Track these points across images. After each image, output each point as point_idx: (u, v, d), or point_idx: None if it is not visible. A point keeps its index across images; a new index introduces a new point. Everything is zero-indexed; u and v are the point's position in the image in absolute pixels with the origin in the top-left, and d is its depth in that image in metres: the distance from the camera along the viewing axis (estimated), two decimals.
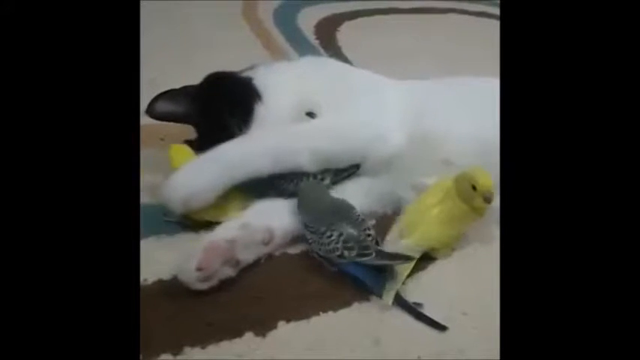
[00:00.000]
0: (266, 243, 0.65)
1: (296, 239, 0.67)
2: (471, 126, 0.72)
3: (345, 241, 0.61)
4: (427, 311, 0.59)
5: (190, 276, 0.58)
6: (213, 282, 0.59)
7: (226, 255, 0.60)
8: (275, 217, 0.67)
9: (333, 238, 0.61)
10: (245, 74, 0.80)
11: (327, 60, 0.96)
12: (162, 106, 0.76)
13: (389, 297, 0.59)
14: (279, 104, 0.75)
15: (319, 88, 0.76)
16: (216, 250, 0.60)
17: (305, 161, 0.69)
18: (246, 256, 0.63)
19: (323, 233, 0.62)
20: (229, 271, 0.61)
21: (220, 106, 0.75)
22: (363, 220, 0.65)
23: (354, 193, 0.72)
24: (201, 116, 0.77)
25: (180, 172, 0.66)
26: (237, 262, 0.62)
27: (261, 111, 0.74)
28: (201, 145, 0.72)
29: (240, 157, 0.67)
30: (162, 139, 0.85)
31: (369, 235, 0.63)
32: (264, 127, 0.72)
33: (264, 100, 0.75)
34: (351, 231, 0.62)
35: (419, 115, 0.75)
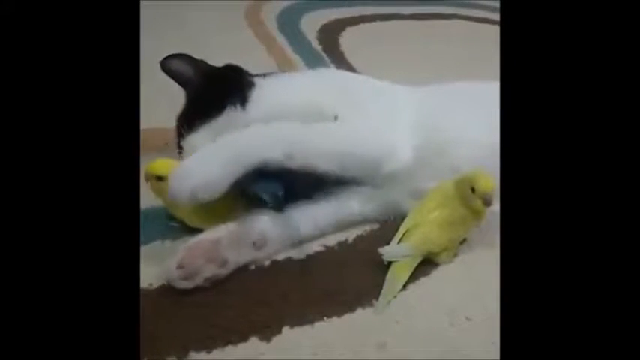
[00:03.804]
0: (258, 247, 0.65)
1: (293, 245, 0.68)
2: (479, 131, 0.72)
3: None
4: (430, 316, 0.59)
5: (172, 274, 0.58)
6: (198, 280, 0.59)
7: (209, 253, 0.60)
8: (270, 223, 0.66)
9: None
10: (255, 79, 0.79)
11: (338, 72, 0.94)
12: (176, 64, 0.79)
13: (383, 304, 0.60)
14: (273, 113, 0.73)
15: (331, 99, 0.75)
16: (198, 249, 0.60)
17: (319, 163, 0.66)
18: (236, 257, 0.63)
19: None
20: (216, 270, 0.61)
21: (219, 96, 0.75)
22: None
23: (354, 200, 0.73)
24: (199, 93, 0.78)
25: (188, 160, 0.62)
26: (225, 261, 0.62)
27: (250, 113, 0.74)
28: (186, 112, 0.77)
29: (250, 147, 0.64)
30: (166, 144, 0.85)
31: None
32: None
33: (248, 109, 0.74)
34: None
35: (429, 123, 0.75)
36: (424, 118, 0.76)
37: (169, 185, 0.60)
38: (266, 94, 0.76)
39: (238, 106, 0.73)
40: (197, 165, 0.61)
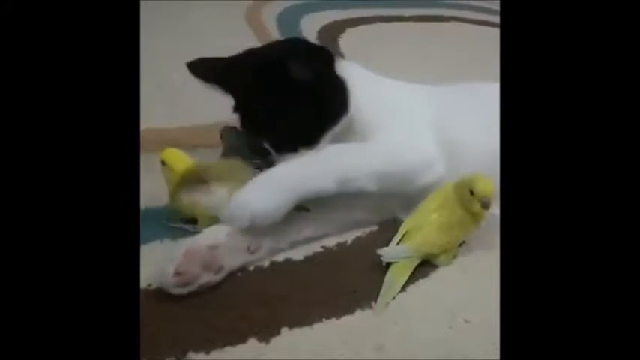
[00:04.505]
0: (252, 251, 0.65)
1: (285, 246, 0.68)
2: (483, 132, 0.71)
3: None
4: (429, 318, 0.59)
5: (168, 281, 0.58)
6: (193, 287, 0.59)
7: (207, 260, 0.60)
8: (264, 227, 0.65)
9: None
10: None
11: (371, 76, 0.88)
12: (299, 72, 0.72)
13: (382, 306, 0.60)
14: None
15: (375, 112, 0.75)
16: (196, 255, 0.60)
17: (368, 184, 0.67)
18: (232, 262, 0.63)
19: None
20: (211, 276, 0.61)
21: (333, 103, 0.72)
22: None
23: (357, 207, 0.73)
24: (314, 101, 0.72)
25: (246, 189, 0.64)
26: (221, 268, 0.62)
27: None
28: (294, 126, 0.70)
29: (304, 177, 0.66)
30: (167, 144, 0.85)
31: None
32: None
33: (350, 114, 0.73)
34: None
35: (439, 124, 0.75)
36: (437, 119, 0.76)
37: (229, 209, 0.64)
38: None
39: (349, 111, 0.73)
40: (256, 193, 0.64)
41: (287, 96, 0.71)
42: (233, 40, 1.36)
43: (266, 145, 0.72)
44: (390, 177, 0.70)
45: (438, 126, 0.75)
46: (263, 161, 0.74)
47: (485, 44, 1.43)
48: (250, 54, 0.77)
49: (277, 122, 0.71)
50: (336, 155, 0.69)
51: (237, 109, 0.74)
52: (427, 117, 0.76)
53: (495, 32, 1.61)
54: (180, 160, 0.69)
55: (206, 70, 0.76)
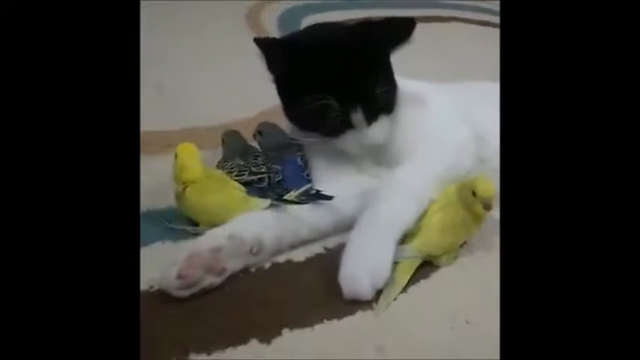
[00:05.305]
0: (255, 253, 0.65)
1: (286, 248, 0.68)
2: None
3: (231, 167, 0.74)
4: (430, 319, 0.59)
5: (171, 284, 0.58)
6: (195, 290, 0.59)
7: (209, 264, 0.60)
8: (265, 226, 0.66)
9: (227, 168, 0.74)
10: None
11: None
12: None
13: (383, 306, 0.60)
14: None
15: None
16: (199, 259, 0.60)
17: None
18: (234, 265, 0.63)
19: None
20: (213, 279, 0.61)
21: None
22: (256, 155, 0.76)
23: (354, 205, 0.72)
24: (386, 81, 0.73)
25: (356, 256, 0.63)
26: (223, 270, 0.62)
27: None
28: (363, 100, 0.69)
29: (396, 219, 0.66)
30: (168, 146, 0.85)
31: (256, 165, 0.74)
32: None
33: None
34: (239, 162, 0.74)
35: (466, 118, 0.78)
36: (466, 112, 0.78)
37: (347, 287, 0.61)
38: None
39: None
40: (369, 261, 0.62)
41: (380, 69, 0.72)
42: (233, 42, 1.37)
43: (356, 118, 0.69)
44: (449, 178, 0.71)
45: (466, 120, 0.77)
46: (265, 165, 0.75)
47: (486, 44, 1.43)
48: (326, 33, 0.80)
49: (375, 94, 0.70)
50: (409, 182, 0.70)
51: (328, 83, 0.70)
52: (457, 112, 0.79)
53: (495, 32, 1.61)
54: (193, 159, 0.69)
55: (282, 53, 0.75)
